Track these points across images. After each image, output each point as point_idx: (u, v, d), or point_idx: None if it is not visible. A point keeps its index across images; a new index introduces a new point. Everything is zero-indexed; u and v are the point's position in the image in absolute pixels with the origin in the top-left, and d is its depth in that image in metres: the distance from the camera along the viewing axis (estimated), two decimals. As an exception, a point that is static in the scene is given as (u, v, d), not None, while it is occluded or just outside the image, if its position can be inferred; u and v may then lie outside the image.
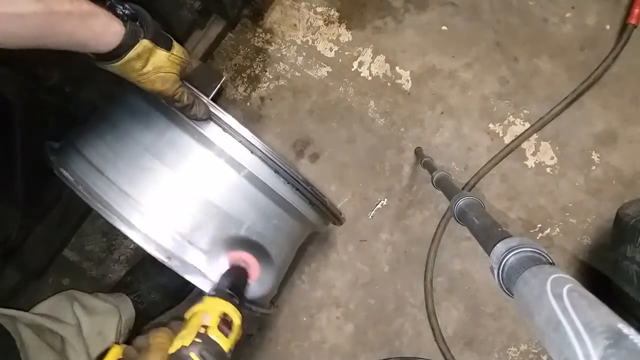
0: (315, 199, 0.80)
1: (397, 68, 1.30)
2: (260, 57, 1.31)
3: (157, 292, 1.08)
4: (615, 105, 1.25)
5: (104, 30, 0.55)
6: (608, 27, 1.28)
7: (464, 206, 0.66)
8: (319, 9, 1.33)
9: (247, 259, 0.66)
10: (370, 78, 1.29)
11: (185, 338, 0.50)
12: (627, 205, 0.99)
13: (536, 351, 1.16)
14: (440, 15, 1.32)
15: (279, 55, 1.30)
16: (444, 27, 1.31)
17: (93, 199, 0.68)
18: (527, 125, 1.25)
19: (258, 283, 0.67)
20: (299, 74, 1.30)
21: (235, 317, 0.55)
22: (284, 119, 1.28)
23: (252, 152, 0.73)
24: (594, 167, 1.23)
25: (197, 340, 0.49)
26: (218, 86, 1.15)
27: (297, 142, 1.27)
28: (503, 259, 0.44)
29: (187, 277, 0.67)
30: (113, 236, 1.20)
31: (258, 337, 1.17)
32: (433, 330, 1.16)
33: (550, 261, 0.42)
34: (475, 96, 1.28)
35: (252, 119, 1.28)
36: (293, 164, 0.76)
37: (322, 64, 1.30)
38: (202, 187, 0.72)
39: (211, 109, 0.70)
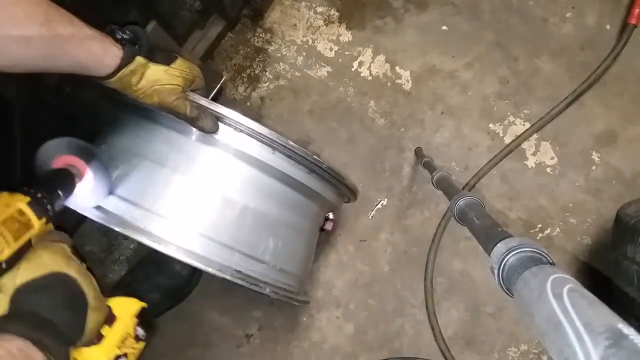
0: (327, 173, 0.81)
1: (397, 68, 1.30)
2: (260, 57, 1.31)
3: (157, 292, 1.08)
4: (615, 105, 1.25)
5: (104, 53, 0.58)
6: (608, 27, 1.28)
7: (464, 206, 0.66)
8: (319, 9, 1.33)
9: (75, 162, 0.63)
10: (370, 78, 1.29)
11: None
12: (627, 205, 0.99)
13: (536, 351, 1.16)
14: (440, 15, 1.32)
15: (279, 55, 1.30)
16: (444, 27, 1.31)
17: (112, 221, 0.68)
18: (527, 125, 1.25)
19: (95, 187, 0.65)
20: (299, 74, 1.30)
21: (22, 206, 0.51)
22: (284, 119, 1.28)
23: (258, 141, 0.74)
24: (594, 167, 1.23)
25: None
26: (218, 86, 1.15)
27: (297, 142, 1.26)
28: (503, 259, 0.44)
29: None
30: (113, 236, 1.20)
31: (258, 337, 1.17)
32: (433, 330, 1.16)
33: (551, 261, 0.42)
34: (475, 96, 1.28)
35: (252, 118, 1.27)
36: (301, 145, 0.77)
37: (322, 64, 1.30)
38: (215, 185, 0.73)
39: (224, 113, 0.70)
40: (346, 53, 1.31)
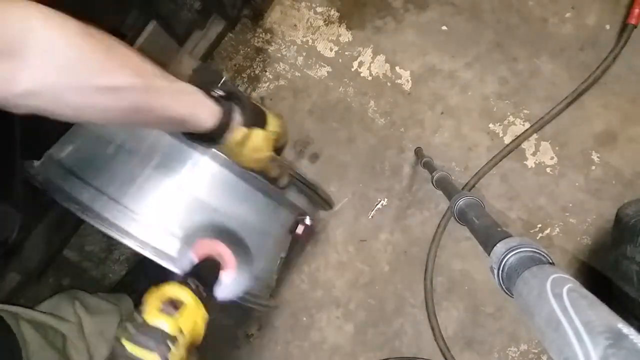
0: (300, 183, 0.79)
1: (397, 68, 1.30)
2: (260, 57, 1.31)
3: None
4: (615, 105, 1.25)
5: (200, 108, 0.55)
6: (608, 27, 1.28)
7: (464, 206, 0.66)
8: (319, 9, 1.33)
9: (219, 249, 0.62)
10: (370, 78, 1.29)
11: (120, 332, 0.46)
12: (627, 205, 0.99)
13: (536, 351, 1.16)
14: (440, 15, 1.32)
15: (279, 55, 1.31)
16: (444, 27, 1.31)
17: (85, 212, 0.68)
18: (527, 125, 1.25)
19: (239, 277, 0.65)
20: (299, 74, 1.30)
21: (184, 296, 0.50)
22: (284, 119, 1.28)
23: None
24: (594, 167, 1.23)
25: (132, 329, 0.45)
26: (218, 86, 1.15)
27: (297, 142, 1.27)
28: (503, 259, 0.44)
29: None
30: (113, 236, 1.20)
31: (258, 337, 1.17)
32: (433, 330, 1.16)
33: (550, 261, 0.42)
34: (475, 96, 1.28)
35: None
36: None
37: (322, 64, 1.30)
38: (188, 184, 0.73)
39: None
40: (346, 53, 1.31)
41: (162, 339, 0.45)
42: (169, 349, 0.45)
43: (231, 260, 0.62)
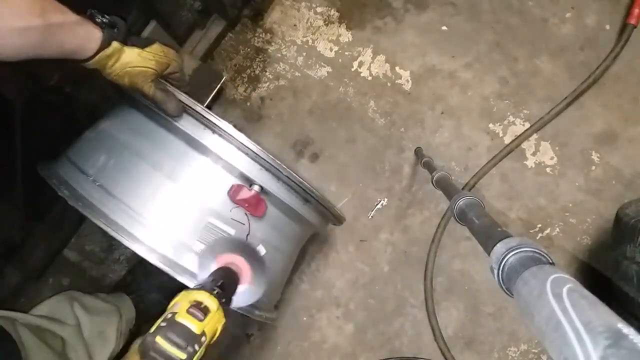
0: (313, 198, 0.80)
1: (397, 68, 1.30)
2: (260, 57, 1.31)
3: (157, 292, 1.08)
4: (615, 105, 1.25)
5: (88, 38, 0.61)
6: (608, 27, 1.28)
7: (464, 206, 0.66)
8: (319, 9, 1.33)
9: (238, 262, 0.65)
10: (370, 78, 1.29)
11: (151, 327, 0.48)
12: (627, 205, 0.99)
13: (536, 351, 1.16)
14: (440, 15, 1.32)
15: (279, 55, 1.31)
16: (444, 27, 1.31)
17: (94, 213, 0.69)
18: (527, 125, 1.25)
19: (252, 287, 0.66)
20: (299, 74, 1.30)
21: (211, 303, 0.53)
22: (284, 119, 1.28)
23: (247, 155, 0.73)
24: (594, 167, 1.23)
25: (162, 324, 0.47)
26: (218, 86, 1.15)
27: (297, 142, 1.27)
28: (503, 259, 0.44)
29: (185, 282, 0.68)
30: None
31: (258, 337, 1.17)
32: (433, 330, 1.16)
33: (550, 261, 0.42)
34: (475, 96, 1.28)
35: (252, 119, 1.28)
36: (291, 166, 0.75)
37: (322, 64, 1.30)
38: (200, 194, 0.73)
39: (204, 114, 0.70)
40: (346, 53, 1.31)
41: (189, 339, 0.47)
42: (196, 351, 0.47)
43: (248, 274, 0.65)
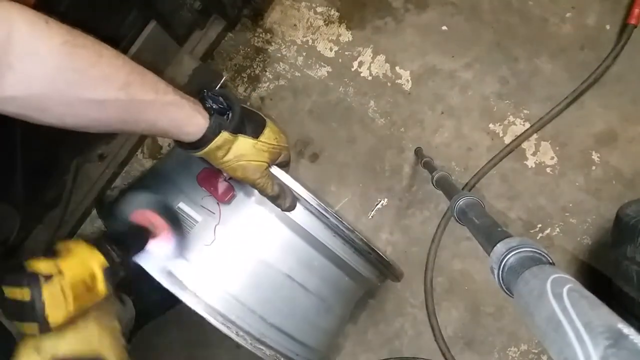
0: (372, 256, 0.77)
1: (397, 68, 1.30)
2: (260, 57, 1.31)
3: (157, 292, 1.07)
4: (615, 105, 1.25)
5: (187, 122, 0.55)
6: (608, 27, 1.28)
7: (464, 206, 0.66)
8: (319, 9, 1.33)
9: (155, 221, 0.61)
10: (370, 78, 1.29)
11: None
12: (627, 205, 0.99)
13: (536, 351, 1.16)
14: (440, 15, 1.32)
15: (279, 55, 1.31)
16: (444, 27, 1.31)
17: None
18: (527, 125, 1.25)
19: (166, 247, 0.64)
20: (299, 74, 1.30)
21: (73, 244, 0.49)
22: (284, 119, 1.28)
23: (311, 213, 0.71)
24: (594, 167, 1.23)
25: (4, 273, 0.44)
26: (218, 86, 1.15)
27: (297, 142, 1.27)
28: (503, 259, 0.44)
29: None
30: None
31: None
32: (433, 330, 1.16)
33: (551, 261, 0.42)
34: (475, 96, 1.28)
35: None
36: (351, 223, 0.74)
37: (322, 64, 1.30)
38: (253, 244, 0.71)
39: (301, 194, 0.68)
40: (346, 53, 1.31)
41: (34, 277, 0.43)
42: (41, 284, 0.43)
43: (163, 232, 0.62)
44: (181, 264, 0.68)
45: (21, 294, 0.42)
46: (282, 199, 0.66)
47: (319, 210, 0.68)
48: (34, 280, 0.43)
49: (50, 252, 0.48)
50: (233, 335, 0.67)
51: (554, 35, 1.29)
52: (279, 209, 0.69)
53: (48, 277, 0.44)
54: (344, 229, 0.71)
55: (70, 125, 0.48)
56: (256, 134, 0.62)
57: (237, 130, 0.59)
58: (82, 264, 0.48)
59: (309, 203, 0.68)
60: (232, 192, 0.71)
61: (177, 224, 0.64)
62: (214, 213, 0.70)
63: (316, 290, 0.76)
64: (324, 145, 1.26)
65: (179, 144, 0.59)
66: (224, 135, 0.57)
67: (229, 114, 0.59)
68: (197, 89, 0.59)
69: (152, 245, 0.62)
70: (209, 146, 0.57)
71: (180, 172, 0.75)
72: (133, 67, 0.50)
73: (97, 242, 0.51)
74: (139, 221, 0.62)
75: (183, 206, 0.70)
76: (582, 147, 1.24)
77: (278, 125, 0.67)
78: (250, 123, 0.62)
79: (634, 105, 1.25)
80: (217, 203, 0.70)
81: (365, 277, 0.82)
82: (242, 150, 0.60)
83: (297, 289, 0.74)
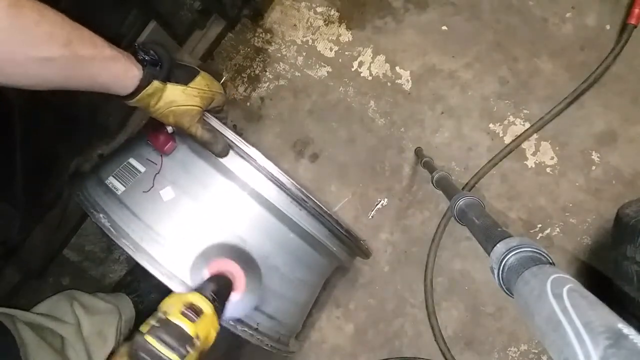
0: (340, 232, 0.80)
1: (397, 68, 1.30)
2: (260, 57, 1.31)
3: (157, 292, 1.08)
4: (615, 105, 1.25)
5: (124, 75, 0.58)
6: (608, 27, 1.28)
7: (464, 206, 0.66)
8: (319, 9, 1.33)
9: (231, 268, 0.63)
10: (370, 78, 1.29)
11: (143, 327, 0.47)
12: (627, 205, 0.99)
13: (536, 351, 1.16)
14: (440, 15, 1.32)
15: (279, 55, 1.30)
16: (444, 27, 1.31)
17: (115, 232, 0.69)
18: (527, 125, 1.25)
19: (246, 296, 0.65)
20: (299, 74, 1.30)
21: (205, 306, 0.51)
22: (284, 119, 1.28)
23: (276, 185, 0.73)
24: (594, 167, 1.23)
25: (155, 324, 0.46)
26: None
27: (297, 142, 1.27)
28: (503, 259, 0.44)
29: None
30: (113, 236, 1.20)
31: (258, 337, 1.17)
32: (433, 330, 1.16)
33: (550, 261, 0.42)
34: (475, 96, 1.27)
35: (252, 119, 1.28)
36: (318, 198, 0.76)
37: (322, 64, 1.30)
38: (223, 218, 0.72)
39: (235, 141, 0.69)
40: (346, 53, 1.31)
41: (182, 340, 0.46)
42: (187, 351, 0.46)
43: (242, 282, 0.64)
44: (128, 217, 0.71)
45: (169, 355, 0.45)
46: (214, 145, 0.68)
47: (249, 155, 0.71)
48: (182, 349, 0.46)
49: (189, 309, 0.50)
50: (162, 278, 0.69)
51: (554, 35, 1.29)
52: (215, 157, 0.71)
53: (192, 344, 0.47)
54: (273, 173, 0.72)
55: (19, 83, 0.50)
56: (186, 81, 0.65)
57: (167, 79, 0.63)
58: (209, 331, 0.51)
59: (241, 149, 0.70)
60: (170, 142, 0.74)
61: (254, 270, 0.65)
62: (155, 164, 0.75)
63: (288, 266, 0.77)
64: (324, 145, 1.26)
65: (118, 97, 0.62)
66: (155, 84, 0.61)
67: (160, 65, 0.63)
68: (129, 43, 0.62)
69: (233, 296, 0.64)
70: (140, 94, 0.60)
71: (141, 137, 0.80)
72: (71, 23, 0.53)
73: (209, 295, 0.54)
74: (219, 270, 0.64)
75: (132, 161, 0.76)
76: (582, 147, 1.24)
77: (211, 77, 0.70)
78: (181, 72, 0.66)
79: (634, 105, 1.24)
80: (160, 155, 0.74)
81: (334, 252, 0.84)
82: (171, 97, 0.63)
83: (271, 267, 0.75)
